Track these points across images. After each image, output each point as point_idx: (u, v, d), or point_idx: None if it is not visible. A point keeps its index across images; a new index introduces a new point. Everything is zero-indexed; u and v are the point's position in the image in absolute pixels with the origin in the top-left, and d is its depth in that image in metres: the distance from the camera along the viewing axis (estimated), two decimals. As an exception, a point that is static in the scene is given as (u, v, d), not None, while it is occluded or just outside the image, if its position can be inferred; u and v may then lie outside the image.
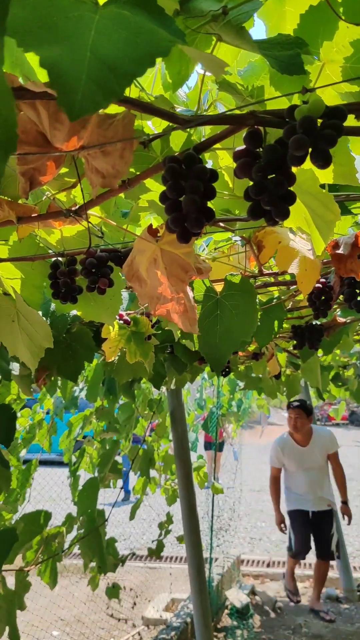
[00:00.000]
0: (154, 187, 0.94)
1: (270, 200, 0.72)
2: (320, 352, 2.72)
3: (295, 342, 2.34)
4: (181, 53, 0.79)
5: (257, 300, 1.45)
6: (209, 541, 5.25)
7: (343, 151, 0.90)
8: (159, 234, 1.09)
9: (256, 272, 1.61)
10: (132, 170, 0.90)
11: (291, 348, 2.56)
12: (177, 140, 0.87)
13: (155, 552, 3.81)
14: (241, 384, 4.47)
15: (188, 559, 3.78)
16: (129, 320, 1.83)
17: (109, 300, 1.44)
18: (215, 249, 1.69)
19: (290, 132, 0.67)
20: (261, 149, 0.75)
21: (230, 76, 0.83)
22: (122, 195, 1.26)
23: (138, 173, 0.88)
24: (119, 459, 3.73)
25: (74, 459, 3.72)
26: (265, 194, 0.72)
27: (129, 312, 1.96)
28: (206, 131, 0.98)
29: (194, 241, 1.08)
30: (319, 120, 0.70)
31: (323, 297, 1.48)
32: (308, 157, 0.74)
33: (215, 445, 5.48)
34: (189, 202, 0.75)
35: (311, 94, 0.69)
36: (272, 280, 1.72)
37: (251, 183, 0.76)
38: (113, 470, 3.72)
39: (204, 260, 1.11)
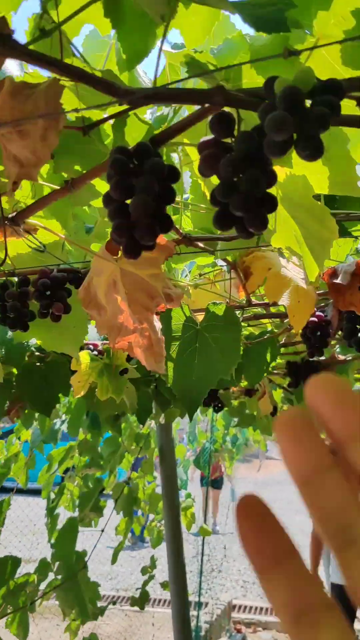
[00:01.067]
0: (104, 191, 0.76)
1: (243, 204, 0.53)
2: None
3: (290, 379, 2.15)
4: (139, 16, 0.62)
5: (241, 334, 1.26)
6: (199, 583, 4.95)
7: (341, 153, 0.72)
8: (119, 252, 0.91)
9: (245, 301, 1.43)
10: (77, 168, 0.72)
11: (287, 385, 2.36)
12: (135, 133, 0.69)
13: (139, 603, 3.54)
14: (235, 420, 4.25)
15: (172, 610, 3.50)
16: (103, 350, 1.64)
17: (72, 328, 1.24)
18: (200, 274, 1.51)
19: (269, 109, 0.49)
20: (233, 139, 0.57)
21: (201, 54, 0.66)
22: (86, 208, 1.08)
23: (84, 172, 0.70)
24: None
25: (52, 495, 3.47)
26: (236, 195, 0.54)
27: (104, 342, 1.77)
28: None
29: (162, 261, 0.90)
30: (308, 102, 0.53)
31: (319, 333, 1.29)
32: (296, 158, 0.57)
33: (206, 481, 5.23)
34: (138, 205, 0.57)
35: (297, 61, 0.52)
36: (264, 311, 1.54)
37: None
38: (94, 508, 3.48)
39: (175, 285, 0.93)
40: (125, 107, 0.61)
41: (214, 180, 0.92)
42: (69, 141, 0.69)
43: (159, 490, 4.09)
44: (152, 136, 0.63)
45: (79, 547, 3.11)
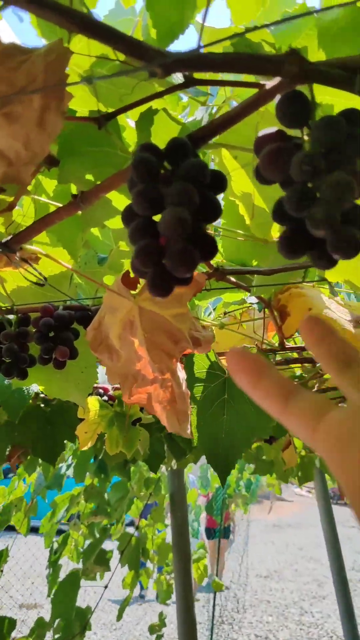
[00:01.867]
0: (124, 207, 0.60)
1: (326, 220, 0.36)
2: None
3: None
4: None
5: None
6: (209, 636, 4.63)
7: None
8: (138, 286, 0.74)
9: (276, 344, 1.25)
10: (89, 177, 0.56)
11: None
12: (165, 134, 0.53)
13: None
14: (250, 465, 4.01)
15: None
16: (114, 396, 1.46)
17: (80, 372, 1.07)
18: (225, 313, 1.34)
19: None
20: (307, 129, 0.40)
21: (254, 32, 0.50)
22: (97, 233, 0.92)
23: (98, 183, 0.54)
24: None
25: (55, 545, 3.24)
26: (317, 206, 0.37)
27: (116, 385, 1.59)
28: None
29: (189, 298, 0.73)
30: None
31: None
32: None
33: (218, 531, 4.92)
34: (171, 221, 0.40)
35: None
36: (296, 355, 1.35)
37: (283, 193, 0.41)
38: (99, 561, 3.23)
39: (204, 327, 0.76)
40: (154, 89, 0.45)
41: (257, 199, 0.76)
42: (78, 142, 0.53)
43: (169, 538, 3.83)
44: (188, 134, 0.47)
45: (80, 599, 2.87)
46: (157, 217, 0.44)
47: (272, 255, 0.81)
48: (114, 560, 3.33)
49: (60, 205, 0.67)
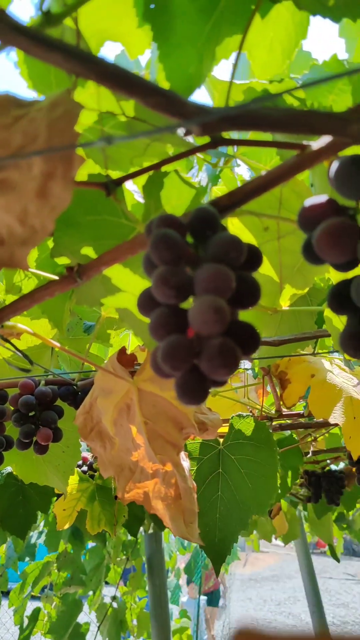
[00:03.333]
0: (129, 283, 0.51)
1: None
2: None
3: (307, 490, 1.85)
4: (194, 24, 0.40)
5: (277, 456, 0.99)
6: None
7: None
8: (136, 364, 0.65)
9: (271, 410, 1.16)
10: (87, 251, 0.47)
11: (305, 499, 2.05)
12: (176, 200, 0.46)
13: None
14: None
15: None
16: (95, 467, 1.34)
17: (60, 452, 0.96)
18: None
19: None
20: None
21: (281, 84, 0.44)
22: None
23: (96, 257, 0.46)
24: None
25: (26, 621, 2.98)
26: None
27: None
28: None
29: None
30: None
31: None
32: None
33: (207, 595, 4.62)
34: (207, 315, 0.32)
35: None
36: (290, 422, 1.27)
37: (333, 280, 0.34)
38: (74, 636, 2.98)
39: (209, 409, 0.67)
40: (165, 149, 0.37)
41: (266, 268, 0.69)
42: (75, 209, 0.45)
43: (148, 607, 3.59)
44: (213, 201, 0.39)
45: None
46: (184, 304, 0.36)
47: (278, 325, 0.74)
48: (91, 635, 3.08)
49: (47, 275, 0.59)
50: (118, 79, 0.26)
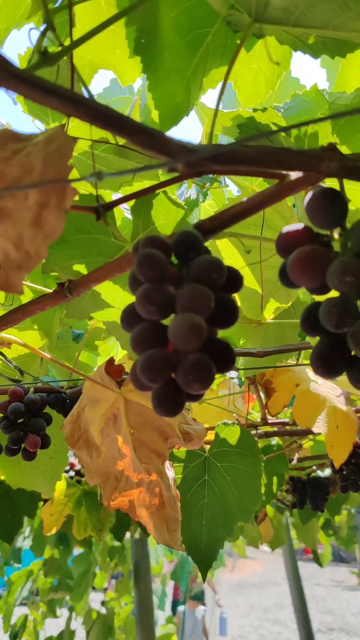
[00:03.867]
0: (116, 299, 0.53)
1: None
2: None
3: (292, 496, 1.87)
4: (182, 57, 0.42)
5: (262, 463, 1.01)
6: None
7: None
8: (123, 374, 0.67)
9: (256, 418, 1.19)
10: (78, 268, 0.50)
11: (291, 504, 2.07)
12: (163, 220, 0.48)
13: None
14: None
15: None
16: (82, 472, 1.35)
17: (48, 458, 0.97)
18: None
19: None
20: (340, 229, 0.36)
21: (264, 113, 0.46)
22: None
23: (86, 273, 0.48)
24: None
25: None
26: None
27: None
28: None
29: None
30: None
31: (353, 462, 1.05)
32: None
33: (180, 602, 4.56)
34: (185, 331, 0.34)
35: None
36: (274, 429, 1.29)
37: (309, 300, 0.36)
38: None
39: (194, 419, 0.69)
40: (156, 175, 0.40)
41: (250, 281, 0.71)
42: (67, 227, 0.47)
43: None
44: (197, 224, 0.41)
45: None
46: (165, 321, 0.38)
47: (263, 337, 0.76)
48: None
49: (39, 287, 0.61)
50: (108, 120, 0.28)
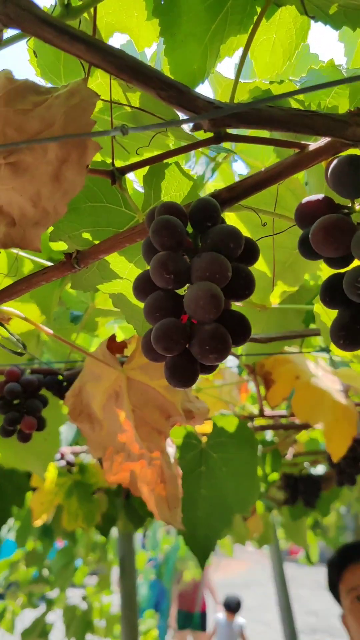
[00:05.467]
0: (124, 271, 0.52)
1: None
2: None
3: (284, 492, 1.87)
4: (200, 22, 0.41)
5: (257, 453, 1.00)
6: None
7: None
8: (125, 351, 0.66)
9: (253, 410, 1.18)
10: (86, 236, 0.49)
11: (284, 500, 2.06)
12: (175, 191, 0.47)
13: None
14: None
15: None
16: (74, 462, 1.34)
17: (41, 440, 0.96)
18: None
19: None
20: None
21: (282, 85, 0.45)
22: (69, 289, 0.84)
23: (96, 242, 0.47)
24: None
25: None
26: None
27: (75, 448, 1.47)
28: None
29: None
30: None
31: (350, 455, 1.04)
32: None
33: (196, 618, 4.35)
34: (203, 300, 0.33)
35: None
36: (272, 422, 1.29)
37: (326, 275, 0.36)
38: (42, 634, 2.96)
39: (197, 397, 0.68)
40: (167, 142, 0.39)
41: (259, 263, 0.70)
42: (77, 195, 0.46)
43: (114, 609, 3.58)
44: (213, 193, 0.40)
45: None
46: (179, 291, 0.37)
47: (266, 322, 0.75)
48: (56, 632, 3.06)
49: (42, 261, 0.60)
50: (135, 71, 0.27)
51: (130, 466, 0.68)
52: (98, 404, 0.66)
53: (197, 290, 0.34)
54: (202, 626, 4.91)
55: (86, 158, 0.29)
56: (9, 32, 0.34)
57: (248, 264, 0.39)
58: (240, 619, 4.61)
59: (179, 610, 4.73)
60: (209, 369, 0.37)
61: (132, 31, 0.45)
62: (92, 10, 0.36)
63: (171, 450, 0.65)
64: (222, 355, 0.34)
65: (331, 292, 0.34)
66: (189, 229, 0.39)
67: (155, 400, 0.63)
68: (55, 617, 3.21)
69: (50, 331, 0.58)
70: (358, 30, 0.44)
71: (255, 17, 0.42)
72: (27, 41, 0.42)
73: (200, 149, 0.60)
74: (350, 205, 0.36)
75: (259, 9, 0.42)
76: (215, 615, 4.68)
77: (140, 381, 0.62)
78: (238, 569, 13.80)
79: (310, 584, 12.30)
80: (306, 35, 0.47)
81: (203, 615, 5.01)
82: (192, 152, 0.66)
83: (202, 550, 0.93)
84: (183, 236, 0.36)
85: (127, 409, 0.63)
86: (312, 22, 0.45)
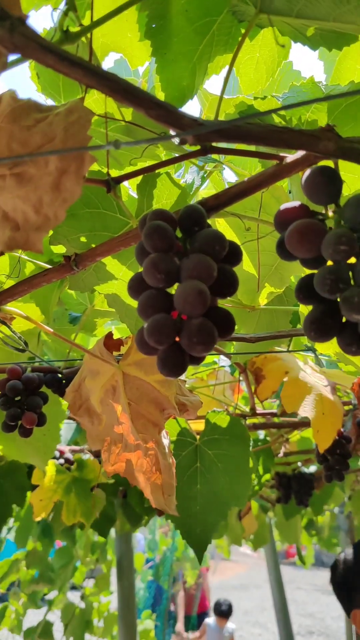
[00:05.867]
0: (119, 273, 0.56)
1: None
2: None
3: (277, 491, 1.90)
4: (189, 42, 0.45)
5: (250, 449, 1.04)
6: None
7: None
8: (121, 349, 0.70)
9: (245, 408, 1.22)
10: (84, 240, 0.52)
11: (276, 499, 2.10)
12: (166, 199, 0.51)
13: None
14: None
15: None
16: (72, 459, 1.38)
17: (41, 435, 1.00)
18: (192, 374, 1.30)
19: None
20: (334, 206, 0.39)
21: (264, 101, 0.49)
22: (68, 291, 0.88)
23: (93, 245, 0.51)
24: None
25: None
26: (354, 289, 0.35)
27: (74, 447, 1.50)
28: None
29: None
30: None
31: (338, 452, 1.08)
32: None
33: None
34: (191, 295, 0.37)
35: None
36: (264, 420, 1.32)
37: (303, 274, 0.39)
38: (44, 634, 2.98)
39: (191, 391, 0.71)
40: (159, 152, 0.42)
41: (247, 265, 0.74)
42: (76, 202, 0.50)
43: (112, 608, 3.60)
44: (200, 201, 0.44)
45: None
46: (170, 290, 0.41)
47: (255, 323, 0.79)
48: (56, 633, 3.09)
49: (40, 263, 0.63)
50: (127, 93, 0.31)
51: (127, 457, 0.71)
52: (96, 398, 0.69)
53: (185, 288, 0.38)
54: (199, 627, 4.94)
55: (83, 169, 0.32)
56: (12, 56, 0.37)
57: (232, 265, 0.43)
58: (230, 624, 4.61)
59: (188, 617, 4.75)
60: (198, 360, 0.41)
61: (125, 51, 0.49)
62: (88, 35, 0.40)
63: (166, 441, 0.68)
64: (209, 346, 0.38)
65: (305, 290, 0.38)
66: (179, 234, 0.43)
67: (150, 394, 0.66)
68: (54, 618, 3.24)
69: (50, 329, 0.62)
70: (335, 50, 0.48)
71: (240, 38, 0.46)
72: (29, 64, 0.46)
73: (189, 160, 0.64)
74: (324, 212, 0.40)
75: (243, 31, 0.46)
76: (206, 619, 4.69)
77: (136, 376, 0.66)
78: (234, 572, 13.80)
79: (306, 586, 12.30)
80: (287, 54, 0.51)
81: (202, 616, 5.04)
82: (182, 163, 0.70)
83: (199, 544, 0.96)
84: (173, 240, 0.40)
85: (123, 403, 0.66)
86: (292, 42, 0.49)
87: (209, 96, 0.59)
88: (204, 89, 0.57)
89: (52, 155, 0.32)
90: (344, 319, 0.37)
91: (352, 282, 0.36)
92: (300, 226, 0.36)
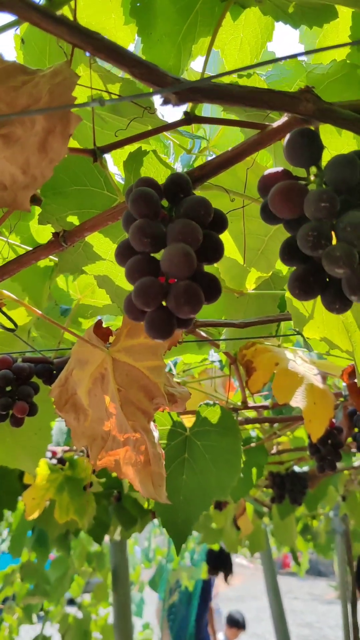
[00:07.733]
0: (107, 252, 0.57)
1: (346, 258, 0.34)
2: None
3: (270, 490, 1.90)
4: (174, 22, 0.46)
5: (241, 442, 1.04)
6: None
7: None
8: (111, 337, 0.70)
9: (237, 403, 1.22)
10: (72, 219, 0.53)
11: (270, 499, 2.09)
12: (154, 173, 0.52)
13: None
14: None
15: None
16: (64, 459, 1.37)
17: (32, 434, 0.99)
18: (184, 371, 1.30)
19: None
20: (315, 169, 0.39)
21: (250, 79, 0.51)
22: (62, 285, 0.88)
23: (79, 222, 0.51)
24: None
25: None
26: (336, 245, 0.35)
27: (66, 447, 1.50)
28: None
29: (164, 350, 0.70)
30: None
31: (330, 442, 1.09)
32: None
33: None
34: (177, 256, 0.38)
35: None
36: (256, 414, 1.33)
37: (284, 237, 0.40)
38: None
39: (179, 383, 0.72)
40: (146, 128, 0.43)
41: (232, 250, 0.75)
42: (62, 179, 0.50)
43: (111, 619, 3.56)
44: (187, 172, 0.45)
45: None
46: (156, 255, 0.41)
47: (244, 309, 0.80)
48: None
49: (25, 247, 0.64)
50: (111, 51, 0.32)
51: (115, 453, 0.71)
52: (84, 389, 0.69)
53: (171, 250, 0.38)
54: None
55: (69, 129, 0.33)
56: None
57: (218, 232, 0.44)
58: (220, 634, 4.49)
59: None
60: (185, 323, 0.41)
61: (110, 32, 0.50)
62: (72, 4, 0.41)
63: (155, 433, 0.68)
64: (195, 307, 0.39)
65: (289, 250, 0.39)
66: (165, 204, 0.44)
67: (140, 381, 0.67)
68: (52, 631, 3.20)
69: (41, 313, 0.62)
70: (315, 33, 0.49)
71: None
72: (15, 30, 0.46)
73: (178, 143, 0.65)
74: (306, 176, 0.41)
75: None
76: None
77: (126, 362, 0.66)
78: (232, 584, 13.68)
79: (303, 596, 12.21)
80: (271, 35, 0.52)
81: None
82: (172, 149, 0.72)
83: (179, 535, 0.96)
84: (158, 206, 0.41)
85: (112, 390, 0.67)
86: (275, 23, 0.51)
87: (196, 76, 0.60)
88: (191, 69, 0.58)
89: (38, 114, 0.33)
90: (327, 280, 0.38)
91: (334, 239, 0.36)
92: (282, 187, 0.37)
